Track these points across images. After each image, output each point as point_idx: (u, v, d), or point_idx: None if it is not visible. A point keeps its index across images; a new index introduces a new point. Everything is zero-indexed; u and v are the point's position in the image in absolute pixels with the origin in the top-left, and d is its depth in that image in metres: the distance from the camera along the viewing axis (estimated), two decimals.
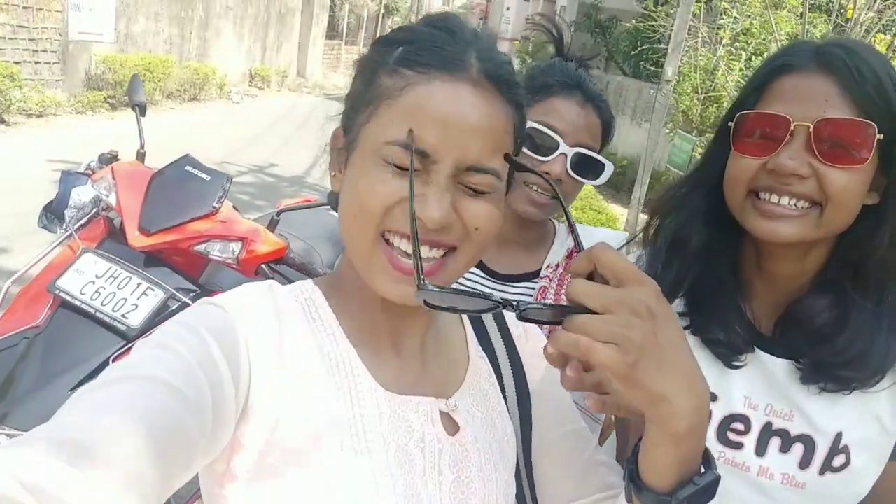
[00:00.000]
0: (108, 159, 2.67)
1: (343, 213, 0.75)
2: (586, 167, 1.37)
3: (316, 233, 2.99)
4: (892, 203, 0.97)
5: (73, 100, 10.05)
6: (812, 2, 7.35)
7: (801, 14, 7.03)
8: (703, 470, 0.67)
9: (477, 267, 1.46)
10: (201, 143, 8.17)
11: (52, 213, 2.53)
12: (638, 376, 0.58)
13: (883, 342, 0.98)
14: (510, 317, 0.98)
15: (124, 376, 0.62)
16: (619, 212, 9.49)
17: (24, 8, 9.31)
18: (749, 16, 8.41)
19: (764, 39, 8.08)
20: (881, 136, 0.91)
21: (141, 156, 2.79)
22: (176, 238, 2.36)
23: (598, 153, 1.39)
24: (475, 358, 0.90)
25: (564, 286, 1.40)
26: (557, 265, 1.47)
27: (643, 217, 5.27)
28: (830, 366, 0.99)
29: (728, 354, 1.04)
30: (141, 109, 2.90)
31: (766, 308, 1.08)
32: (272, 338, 0.74)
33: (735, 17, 8.58)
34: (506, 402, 0.90)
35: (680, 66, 7.60)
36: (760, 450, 1.03)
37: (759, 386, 1.05)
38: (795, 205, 0.95)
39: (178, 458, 0.60)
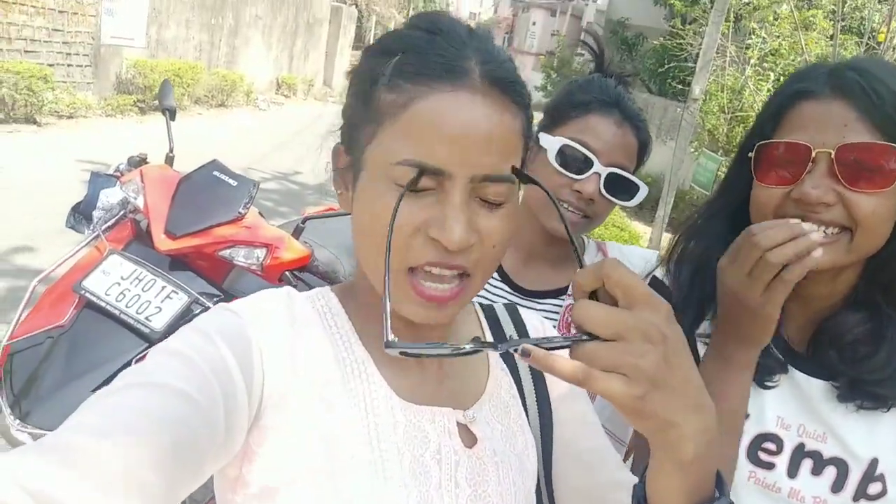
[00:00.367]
0: (137, 162, 2.70)
1: (361, 241, 0.73)
2: (620, 187, 1.35)
3: (340, 242, 2.99)
4: None
5: (104, 103, 10.22)
6: (844, 23, 7.26)
7: (832, 36, 6.95)
8: (717, 494, 0.64)
9: (503, 281, 1.44)
10: (227, 149, 8.23)
11: (81, 214, 2.56)
12: (648, 408, 0.55)
13: None
14: (530, 328, 0.96)
15: (136, 383, 0.62)
16: (642, 230, 9.41)
17: (59, 12, 9.52)
18: (778, 36, 8.34)
19: (793, 60, 8.00)
20: None
21: (170, 159, 2.82)
22: (201, 242, 2.38)
23: (633, 173, 1.36)
24: (496, 370, 0.88)
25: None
26: None
27: (667, 235, 5.23)
28: (867, 383, 0.97)
29: (761, 375, 1.02)
30: (171, 114, 2.93)
31: (798, 327, 1.06)
32: (286, 345, 0.73)
33: (763, 38, 8.51)
34: (527, 416, 0.88)
35: (707, 85, 7.54)
36: (792, 471, 1.01)
37: (792, 406, 1.03)
38: (825, 231, 0.93)
39: (188, 466, 0.59)
